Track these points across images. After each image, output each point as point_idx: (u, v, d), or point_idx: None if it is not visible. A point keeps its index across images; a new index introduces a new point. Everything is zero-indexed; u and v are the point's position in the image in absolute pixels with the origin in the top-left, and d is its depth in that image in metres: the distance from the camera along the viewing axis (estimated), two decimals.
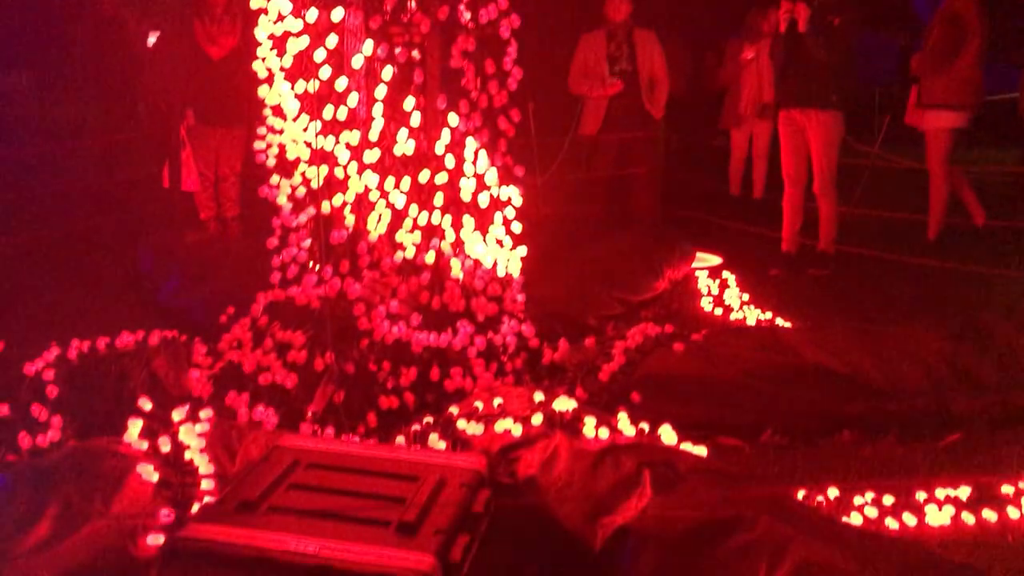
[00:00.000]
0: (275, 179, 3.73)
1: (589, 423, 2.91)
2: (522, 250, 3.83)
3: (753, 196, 7.71)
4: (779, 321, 5.11)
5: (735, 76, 7.37)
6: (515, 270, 3.79)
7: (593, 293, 5.30)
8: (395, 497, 2.47)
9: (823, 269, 6.31)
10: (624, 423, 2.93)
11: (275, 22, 3.46)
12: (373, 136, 3.41)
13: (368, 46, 3.25)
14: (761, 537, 2.25)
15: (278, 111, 3.67)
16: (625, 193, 7.36)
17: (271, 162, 3.74)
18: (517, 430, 2.91)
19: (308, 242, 3.57)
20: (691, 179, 7.96)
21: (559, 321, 4.50)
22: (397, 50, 3.31)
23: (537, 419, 2.95)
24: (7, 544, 2.29)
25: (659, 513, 2.42)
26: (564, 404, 3.00)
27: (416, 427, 3.17)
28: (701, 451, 2.94)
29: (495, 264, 3.66)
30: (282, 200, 3.68)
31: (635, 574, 2.30)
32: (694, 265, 6.35)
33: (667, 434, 2.95)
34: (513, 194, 3.74)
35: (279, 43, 3.49)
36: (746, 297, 5.77)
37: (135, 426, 2.99)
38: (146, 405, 3.19)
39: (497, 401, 3.09)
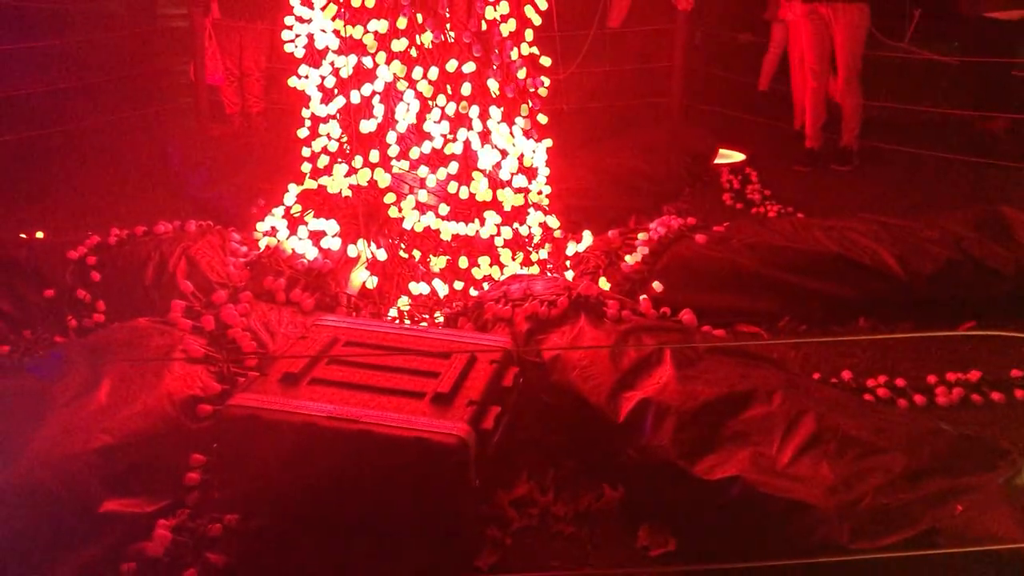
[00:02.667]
0: (303, 69, 3.76)
1: (611, 306, 3.02)
2: (547, 142, 3.87)
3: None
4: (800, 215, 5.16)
5: None
6: (541, 162, 3.84)
7: (616, 187, 5.36)
8: (429, 372, 2.61)
9: (846, 164, 6.30)
10: (646, 307, 3.03)
11: None
12: (401, 25, 3.42)
13: None
14: (778, 409, 2.38)
15: (306, 1, 3.68)
16: (649, 88, 7.30)
17: (299, 53, 3.77)
18: (544, 313, 3.03)
19: (338, 132, 3.62)
20: (716, 74, 7.84)
21: (582, 214, 4.58)
22: None
23: (562, 303, 3.07)
24: (70, 408, 2.45)
25: (679, 387, 2.55)
26: (588, 289, 3.10)
27: (446, 310, 3.30)
28: (719, 334, 3.05)
29: (521, 156, 3.71)
30: (311, 90, 3.72)
31: (656, 441, 2.44)
32: (717, 160, 6.37)
33: (687, 318, 3.06)
34: (539, 85, 3.76)
35: None
36: (768, 192, 5.80)
37: (178, 306, 3.14)
38: (187, 287, 3.34)
39: (518, 286, 3.20)
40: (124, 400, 2.55)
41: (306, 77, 3.75)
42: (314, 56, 3.72)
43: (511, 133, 3.64)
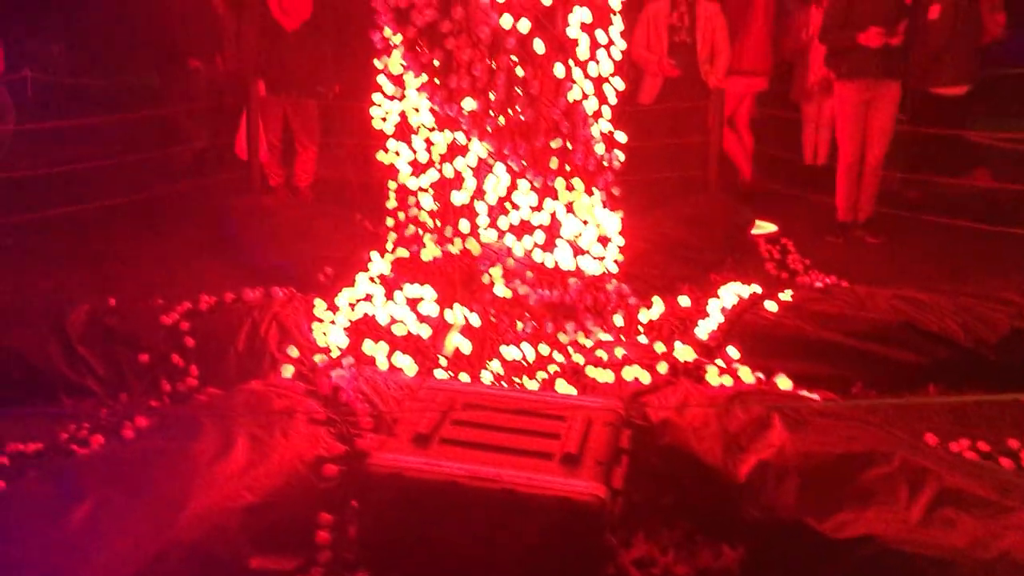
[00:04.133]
0: (392, 144, 3.93)
1: (712, 371, 3.14)
2: (620, 212, 4.03)
3: (818, 163, 7.87)
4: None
5: (802, 48, 7.49)
6: (614, 232, 3.99)
7: (665, 256, 5.52)
8: (549, 433, 2.71)
9: (878, 236, 6.50)
10: (745, 373, 3.15)
11: None
12: (494, 103, 3.60)
13: (505, 19, 3.43)
14: (899, 469, 2.48)
15: (398, 80, 3.87)
16: (681, 161, 7.53)
17: (389, 129, 3.94)
18: (645, 377, 3.15)
19: (430, 202, 3.78)
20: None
21: (636, 282, 4.72)
22: (522, 21, 3.50)
23: (662, 367, 3.18)
24: (212, 467, 2.53)
25: (797, 448, 2.65)
26: (685, 354, 3.22)
27: (544, 374, 3.41)
28: (814, 398, 3.16)
29: (599, 226, 3.86)
30: (401, 164, 3.89)
31: (780, 501, 2.53)
32: (754, 231, 6.57)
33: (783, 382, 3.18)
34: (615, 159, 3.93)
35: (401, 16, 3.68)
36: (808, 261, 5.98)
37: (287, 370, 3.24)
38: (293, 352, 3.44)
39: (620, 352, 3.32)
40: (259, 459, 2.63)
41: (396, 152, 3.92)
42: (404, 132, 3.89)
43: (592, 204, 3.80)
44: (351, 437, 2.92)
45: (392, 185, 4.00)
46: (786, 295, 4.22)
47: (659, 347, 3.27)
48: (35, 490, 2.37)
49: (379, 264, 4.03)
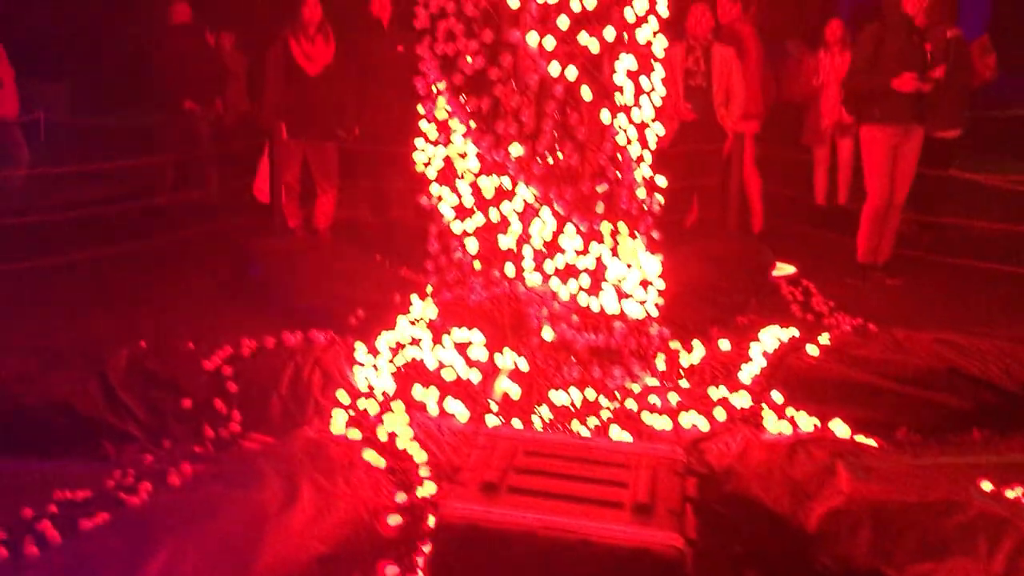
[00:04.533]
0: (435, 188, 3.94)
1: (769, 417, 3.13)
2: (660, 256, 4.04)
3: (838, 203, 7.95)
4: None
5: (813, 92, 7.59)
6: (655, 276, 4.00)
7: (693, 298, 5.53)
8: (616, 481, 2.68)
9: (898, 277, 6.53)
10: (802, 418, 3.14)
11: (446, 42, 3.68)
12: (541, 149, 3.63)
13: (553, 67, 3.47)
14: (976, 519, 2.47)
15: (442, 125, 3.89)
16: (698, 204, 7.58)
17: (431, 174, 3.96)
18: (703, 424, 3.13)
19: (474, 246, 3.78)
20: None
21: (667, 325, 4.72)
22: (569, 68, 3.53)
23: (720, 414, 3.17)
24: (281, 517, 2.49)
25: (866, 497, 2.63)
26: (741, 400, 3.21)
27: (596, 420, 3.39)
28: (872, 444, 3.15)
29: (641, 269, 3.87)
30: (444, 208, 3.90)
31: (854, 551, 2.51)
32: (775, 273, 6.59)
33: (840, 428, 3.16)
34: (656, 202, 3.95)
35: (447, 64, 3.71)
36: (832, 303, 6.00)
37: (339, 416, 3.21)
38: (343, 398, 3.41)
39: (675, 397, 3.30)
40: (326, 509, 2.60)
41: (439, 197, 3.93)
42: (448, 176, 3.90)
43: (636, 248, 3.81)
44: (412, 485, 2.90)
45: (433, 229, 3.99)
46: (824, 339, 4.22)
47: (714, 392, 3.26)
48: (108, 544, 2.33)
49: (421, 307, 4.02)
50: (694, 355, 4.13)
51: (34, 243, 6.40)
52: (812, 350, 4.05)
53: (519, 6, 3.53)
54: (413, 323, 4.00)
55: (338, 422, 3.16)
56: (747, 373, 3.94)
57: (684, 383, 3.96)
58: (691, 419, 3.14)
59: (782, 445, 2.96)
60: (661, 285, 4.06)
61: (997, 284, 6.41)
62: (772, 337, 4.19)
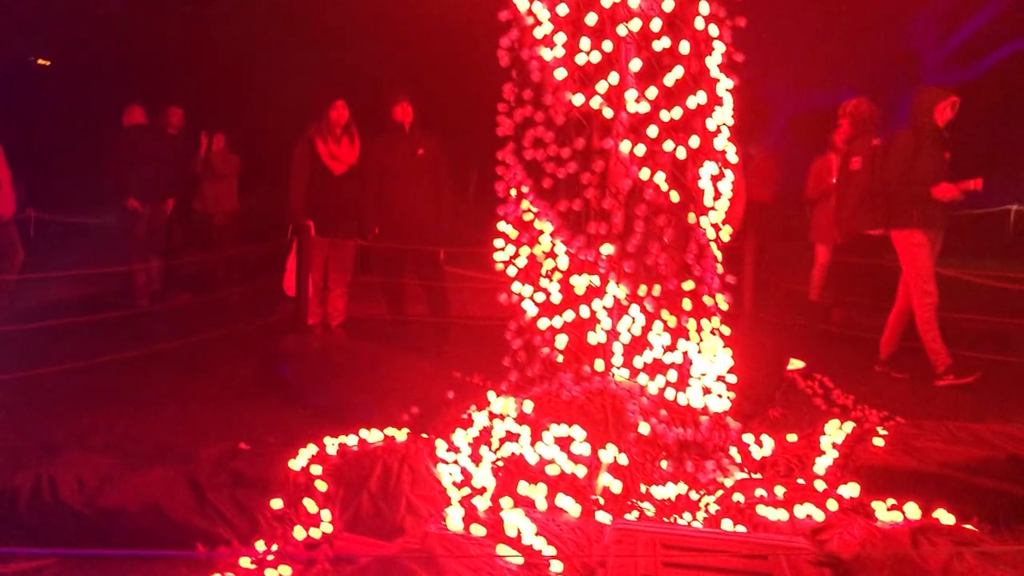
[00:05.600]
0: (516, 287, 4.06)
1: (879, 507, 3.23)
2: (729, 350, 4.19)
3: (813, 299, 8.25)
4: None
5: (827, 192, 7.92)
6: (727, 370, 4.14)
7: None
8: (762, 572, 2.74)
9: (903, 371, 6.78)
10: (911, 508, 3.25)
11: (535, 148, 3.87)
12: (631, 248, 3.78)
13: (644, 172, 3.66)
14: None
15: (525, 226, 4.04)
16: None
17: (512, 272, 4.08)
18: (819, 515, 3.21)
19: (564, 343, 3.88)
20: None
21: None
22: (658, 174, 3.73)
23: (832, 504, 3.26)
24: None
25: None
26: (849, 490, 3.31)
27: (703, 513, 3.45)
28: (975, 530, 3.27)
29: (719, 363, 4.01)
30: (527, 305, 4.00)
31: None
32: (789, 367, 6.79)
33: (945, 516, 3.28)
34: (727, 299, 4.12)
35: (535, 168, 3.90)
36: (852, 397, 6.19)
37: (455, 512, 3.22)
38: (455, 494, 3.42)
39: (780, 490, 3.39)
40: None
41: (518, 295, 4.04)
42: (529, 273, 4.03)
43: (716, 344, 3.95)
44: None
45: (513, 326, 4.09)
46: (882, 431, 4.37)
47: (820, 485, 3.36)
48: None
49: (501, 403, 4.06)
50: (765, 448, 4.23)
51: (60, 346, 6.28)
52: (878, 442, 4.19)
53: (612, 116, 3.74)
54: (493, 418, 4.04)
55: (454, 519, 3.16)
56: (821, 465, 4.05)
57: (756, 475, 4.06)
58: (805, 510, 3.22)
59: (901, 533, 3.05)
60: (733, 379, 4.21)
61: (996, 372, 6.68)
62: (835, 429, 4.33)
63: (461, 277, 8.18)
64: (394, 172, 7.24)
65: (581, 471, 3.55)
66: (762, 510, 3.31)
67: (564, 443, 3.62)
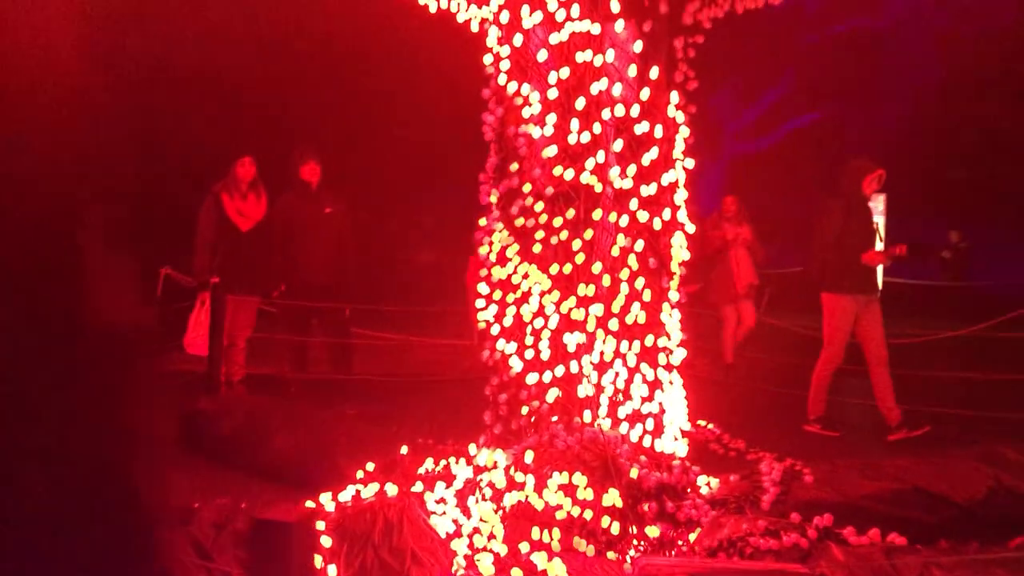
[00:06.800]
0: (501, 344, 4.32)
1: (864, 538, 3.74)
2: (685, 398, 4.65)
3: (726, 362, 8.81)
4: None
5: (721, 254, 8.41)
6: (684, 416, 4.59)
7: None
8: None
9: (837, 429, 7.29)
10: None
11: (525, 217, 4.19)
12: (615, 308, 4.16)
13: (626, 240, 4.07)
14: None
15: (508, 287, 4.32)
16: None
17: (495, 330, 4.34)
18: (803, 543, 3.67)
19: (554, 395, 4.17)
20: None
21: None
22: (639, 242, 4.15)
23: (811, 533, 3.73)
24: None
25: None
26: (823, 520, 3.81)
27: (709, 544, 3.83)
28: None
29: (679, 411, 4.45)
30: (514, 360, 4.27)
31: None
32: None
33: (897, 539, 3.83)
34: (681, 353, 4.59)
35: (527, 234, 4.21)
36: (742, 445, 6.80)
37: (486, 559, 3.41)
38: (461, 544, 3.60)
39: (762, 524, 3.84)
40: None
41: (503, 352, 4.31)
42: (516, 329, 4.31)
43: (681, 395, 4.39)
44: None
45: (495, 380, 4.34)
46: (806, 469, 4.96)
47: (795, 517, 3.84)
48: None
49: (487, 455, 4.28)
50: (713, 487, 4.69)
51: None
52: (809, 478, 4.76)
53: (600, 191, 4.14)
54: (480, 469, 4.24)
55: (485, 564, 3.35)
56: (766, 501, 4.55)
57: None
58: (792, 539, 3.67)
59: (876, 554, 3.57)
60: (688, 426, 4.65)
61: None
62: (770, 467, 4.86)
63: (364, 336, 8.25)
64: (301, 229, 7.28)
65: (588, 514, 3.84)
66: (753, 541, 3.73)
67: (569, 490, 3.89)
